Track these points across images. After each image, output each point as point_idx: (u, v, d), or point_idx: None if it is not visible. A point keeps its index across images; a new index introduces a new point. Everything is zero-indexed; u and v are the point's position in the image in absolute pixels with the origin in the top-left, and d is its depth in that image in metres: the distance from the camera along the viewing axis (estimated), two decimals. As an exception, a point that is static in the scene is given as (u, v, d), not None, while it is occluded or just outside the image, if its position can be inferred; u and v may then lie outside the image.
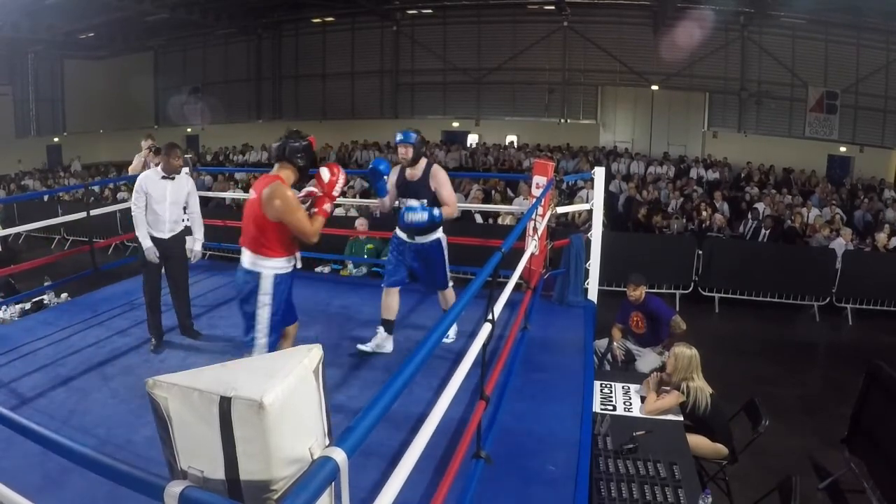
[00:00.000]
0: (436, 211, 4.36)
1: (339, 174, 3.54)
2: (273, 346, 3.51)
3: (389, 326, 4.67)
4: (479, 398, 3.04)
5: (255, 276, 3.44)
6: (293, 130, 3.53)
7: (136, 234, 4.79)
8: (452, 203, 4.49)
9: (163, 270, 4.97)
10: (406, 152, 4.40)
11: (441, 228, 4.60)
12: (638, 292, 6.05)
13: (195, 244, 5.12)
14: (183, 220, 5.04)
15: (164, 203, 4.79)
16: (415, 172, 4.46)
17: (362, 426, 1.57)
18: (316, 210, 3.47)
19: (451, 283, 4.72)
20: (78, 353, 4.64)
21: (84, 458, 1.69)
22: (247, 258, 3.46)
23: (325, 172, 3.52)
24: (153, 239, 4.81)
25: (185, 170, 5.11)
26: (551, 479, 3.17)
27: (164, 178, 4.79)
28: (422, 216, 4.32)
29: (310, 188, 3.56)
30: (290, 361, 1.75)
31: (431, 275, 4.66)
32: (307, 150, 3.45)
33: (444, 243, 4.62)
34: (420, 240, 4.53)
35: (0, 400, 3.81)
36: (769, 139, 20.26)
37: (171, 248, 4.91)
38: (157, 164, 4.99)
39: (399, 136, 4.41)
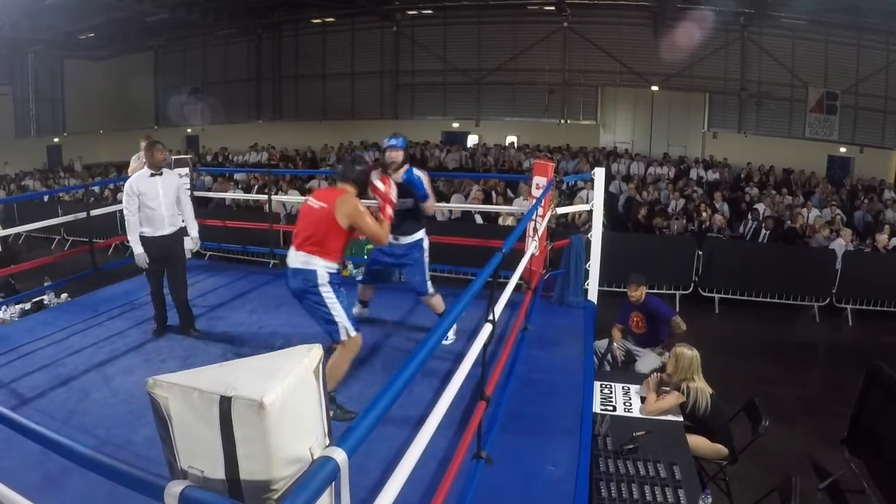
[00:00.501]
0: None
1: (390, 181, 4.11)
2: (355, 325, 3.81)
3: (365, 303, 5.14)
4: (479, 398, 3.04)
5: (310, 274, 3.69)
6: (356, 154, 3.99)
7: (129, 239, 4.89)
8: (432, 196, 4.71)
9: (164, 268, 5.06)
10: (397, 156, 4.57)
11: (424, 230, 4.76)
12: (639, 293, 6.05)
13: (192, 231, 5.29)
14: (181, 219, 5.11)
15: (158, 199, 4.87)
16: (397, 176, 4.58)
17: (362, 426, 1.57)
18: (382, 216, 3.94)
19: (431, 289, 4.77)
20: (78, 354, 4.64)
21: (84, 458, 1.69)
22: (298, 258, 3.73)
23: (379, 184, 4.03)
24: (154, 238, 4.89)
25: (185, 170, 5.14)
26: (551, 480, 3.17)
27: (152, 175, 4.88)
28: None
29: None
30: (290, 361, 1.75)
31: (410, 276, 4.79)
32: (366, 173, 3.88)
33: (426, 245, 4.76)
34: (403, 240, 4.67)
35: (0, 400, 3.81)
36: (769, 140, 20.26)
37: (172, 245, 5.01)
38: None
39: (393, 141, 4.60)
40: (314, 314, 3.78)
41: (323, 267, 3.69)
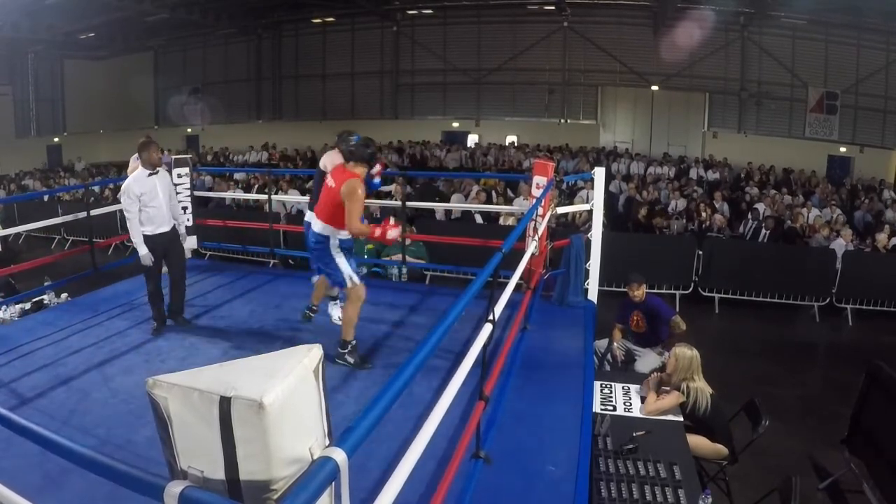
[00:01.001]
0: None
1: (398, 230, 4.61)
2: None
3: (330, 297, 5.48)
4: (478, 398, 3.04)
5: (325, 238, 4.38)
6: (366, 138, 4.47)
7: (133, 240, 4.94)
8: None
9: (163, 266, 5.14)
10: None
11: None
12: (640, 292, 6.05)
13: (181, 228, 5.33)
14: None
15: (158, 198, 4.94)
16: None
17: (362, 426, 1.57)
18: (372, 226, 4.40)
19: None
20: (78, 353, 4.64)
21: (84, 458, 1.69)
22: (318, 225, 4.42)
23: (393, 232, 4.50)
24: (157, 236, 4.96)
25: (185, 169, 5.15)
26: (551, 480, 3.17)
27: (150, 175, 4.94)
28: None
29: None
30: (289, 361, 1.75)
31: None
32: (374, 155, 4.47)
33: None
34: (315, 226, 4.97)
35: (0, 400, 3.80)
36: (769, 139, 20.25)
37: (172, 241, 5.12)
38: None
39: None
40: (324, 267, 4.56)
41: (336, 235, 4.36)
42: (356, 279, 4.44)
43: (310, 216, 4.83)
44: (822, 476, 5.16)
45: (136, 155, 6.63)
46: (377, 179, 5.22)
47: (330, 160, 4.95)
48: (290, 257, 8.99)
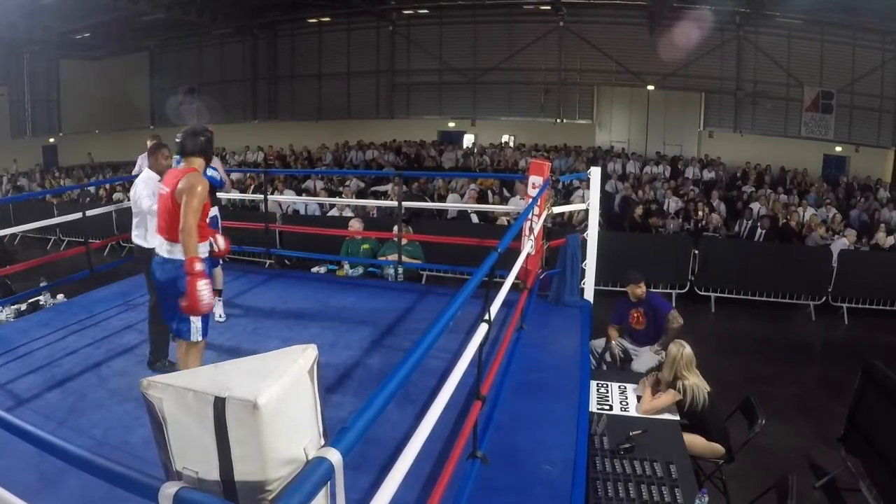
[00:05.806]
0: None
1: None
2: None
3: None
4: (475, 398, 3.04)
5: (176, 264, 3.48)
6: (203, 127, 3.69)
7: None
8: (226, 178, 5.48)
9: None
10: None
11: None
12: (641, 289, 6.08)
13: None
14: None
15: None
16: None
17: (357, 426, 1.57)
18: (208, 232, 3.65)
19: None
20: (74, 354, 4.62)
21: (80, 459, 1.69)
22: (163, 249, 3.56)
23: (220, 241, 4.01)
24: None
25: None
26: (548, 479, 3.17)
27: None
28: None
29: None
30: (284, 362, 1.75)
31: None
32: (211, 141, 3.65)
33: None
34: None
35: (-5, 401, 3.80)
36: (765, 139, 20.30)
37: None
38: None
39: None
40: (171, 307, 3.53)
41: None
42: (198, 329, 3.54)
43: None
44: (819, 474, 5.17)
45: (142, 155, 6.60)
46: (214, 174, 4.69)
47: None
48: (286, 257, 8.99)
